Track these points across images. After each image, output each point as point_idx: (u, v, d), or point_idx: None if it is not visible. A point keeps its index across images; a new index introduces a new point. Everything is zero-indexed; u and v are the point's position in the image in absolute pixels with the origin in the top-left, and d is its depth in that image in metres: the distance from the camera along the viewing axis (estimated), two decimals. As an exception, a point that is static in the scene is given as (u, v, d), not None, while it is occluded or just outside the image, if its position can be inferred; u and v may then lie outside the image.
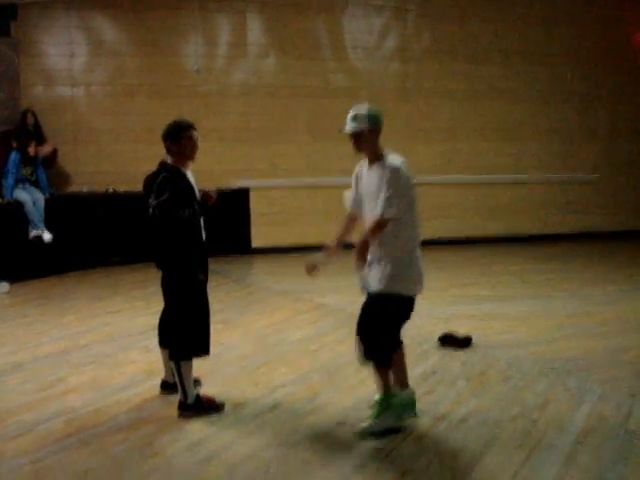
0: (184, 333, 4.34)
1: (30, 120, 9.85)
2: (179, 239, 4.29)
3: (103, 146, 10.48)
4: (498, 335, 5.97)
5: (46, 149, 9.90)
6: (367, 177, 3.97)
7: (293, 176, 11.25)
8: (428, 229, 12.11)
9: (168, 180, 4.25)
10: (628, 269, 9.52)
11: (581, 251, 11.31)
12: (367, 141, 3.89)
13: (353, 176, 4.13)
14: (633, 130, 12.97)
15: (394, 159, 3.87)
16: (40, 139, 9.84)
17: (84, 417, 4.31)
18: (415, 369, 5.02)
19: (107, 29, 10.60)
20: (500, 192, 12.14)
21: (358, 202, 4.09)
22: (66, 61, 10.47)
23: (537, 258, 10.66)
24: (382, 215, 3.79)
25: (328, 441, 3.90)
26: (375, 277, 3.95)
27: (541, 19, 12.14)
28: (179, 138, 4.33)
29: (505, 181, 12.16)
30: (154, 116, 9.98)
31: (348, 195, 4.19)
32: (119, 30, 10.67)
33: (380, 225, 3.81)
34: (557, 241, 12.08)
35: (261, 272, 10.23)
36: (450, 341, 5.67)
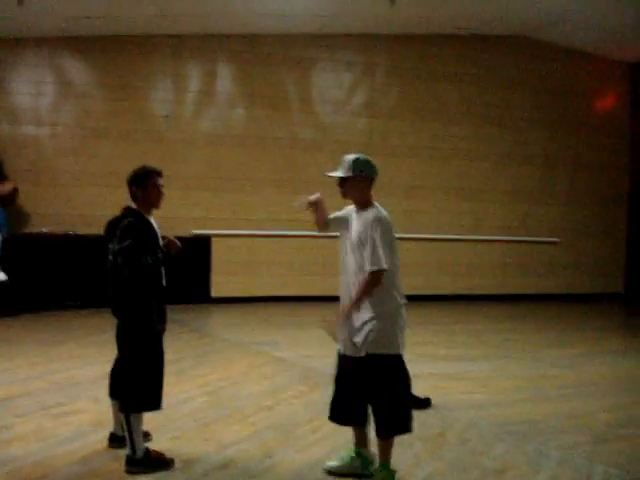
0: (136, 385, 4.19)
1: (-8, 158, 9.69)
2: (139, 287, 4.19)
3: (65, 188, 10.33)
4: (457, 396, 5.91)
5: (6, 187, 9.70)
6: (354, 222, 3.94)
7: (256, 226, 11.21)
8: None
9: (132, 226, 4.17)
10: (586, 332, 9.63)
11: (540, 312, 11.41)
12: (352, 188, 3.89)
13: (347, 210, 4.08)
14: (591, 194, 13.29)
15: (381, 211, 3.87)
16: (0, 177, 9.67)
17: (26, 469, 4.10)
18: (370, 428, 4.93)
19: (77, 70, 10.55)
20: (461, 251, 12.25)
21: (337, 226, 4.08)
22: (32, 100, 10.37)
23: (496, 318, 10.72)
24: (378, 267, 3.72)
25: (280, 503, 3.77)
26: (369, 338, 3.84)
27: (505, 83, 12.47)
28: (145, 184, 4.26)
29: (466, 240, 12.28)
30: (119, 160, 9.90)
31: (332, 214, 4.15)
32: (89, 71, 10.63)
33: (377, 278, 3.75)
34: (516, 301, 12.19)
35: (219, 322, 10.07)
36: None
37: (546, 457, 4.43)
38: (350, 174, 3.87)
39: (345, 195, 3.96)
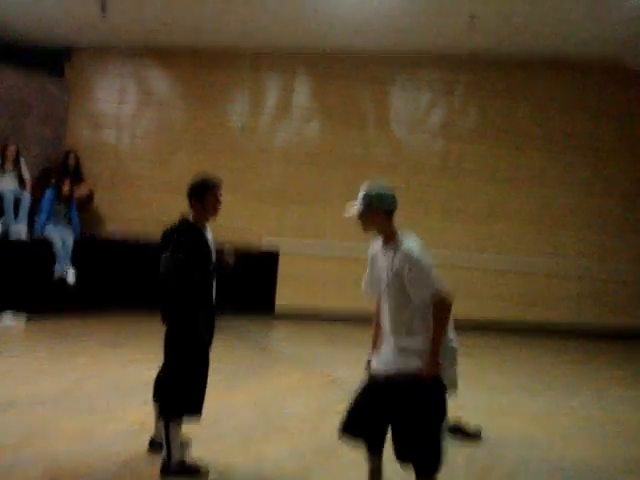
0: (177, 392, 4.21)
1: (72, 161, 10.03)
2: (188, 299, 4.21)
3: (140, 193, 10.59)
4: (510, 430, 5.67)
5: (82, 190, 10.03)
6: (381, 258, 3.72)
7: (325, 242, 11.17)
8: (459, 309, 11.90)
9: (186, 238, 4.21)
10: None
11: (616, 349, 10.89)
12: (370, 223, 3.68)
13: (369, 256, 3.85)
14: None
15: (410, 241, 3.63)
16: (78, 180, 10.00)
17: (65, 466, 4.18)
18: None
19: (158, 80, 10.85)
20: (535, 280, 11.85)
21: (374, 284, 3.82)
22: (114, 107, 10.71)
23: (567, 351, 10.29)
24: (441, 293, 3.52)
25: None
26: (408, 356, 3.60)
27: (590, 109, 12.04)
28: (203, 197, 4.30)
29: (540, 269, 11.88)
30: (194, 170, 10.00)
31: (365, 278, 3.89)
32: (170, 82, 10.91)
33: (447, 305, 3.54)
34: (589, 336, 11.69)
35: (279, 336, 10.07)
36: (458, 432, 5.40)
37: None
38: (362, 210, 3.66)
39: (365, 230, 3.74)
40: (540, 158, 11.82)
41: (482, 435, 5.36)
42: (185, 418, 4.24)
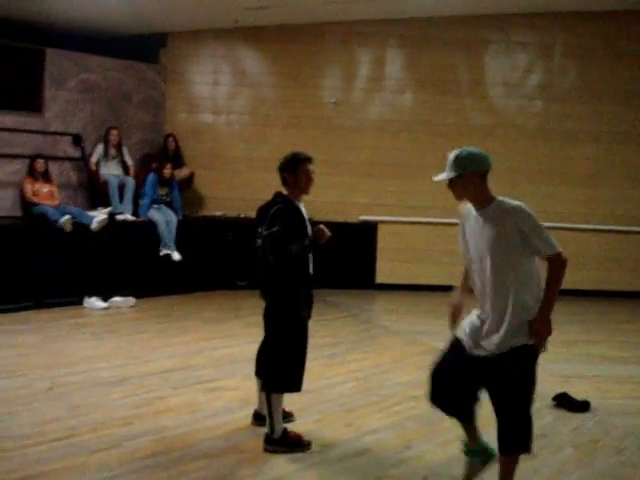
0: (278, 367, 4.27)
1: (171, 144, 10.30)
2: (285, 273, 4.23)
3: (238, 173, 10.76)
4: (620, 400, 5.45)
5: (183, 172, 10.30)
6: (476, 225, 3.47)
7: (422, 213, 11.02)
8: (566, 279, 11.52)
9: (281, 212, 4.21)
10: None
11: None
12: (462, 188, 3.43)
13: (460, 225, 3.63)
14: None
15: (511, 201, 3.41)
16: (179, 163, 10.27)
17: (172, 439, 4.32)
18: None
19: (250, 59, 10.95)
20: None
21: (468, 255, 3.61)
22: (210, 89, 10.90)
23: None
24: (556, 252, 3.31)
25: (410, 497, 3.66)
26: (515, 331, 3.42)
27: None
28: (296, 170, 4.30)
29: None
30: (289, 146, 9.95)
31: (460, 250, 3.71)
32: (261, 61, 10.99)
33: (563, 261, 3.33)
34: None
35: (381, 309, 10.05)
36: (566, 403, 5.23)
37: None
38: (454, 175, 3.41)
39: (459, 198, 3.48)
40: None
41: (590, 406, 5.17)
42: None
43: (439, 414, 4.92)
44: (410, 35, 10.97)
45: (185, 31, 10.64)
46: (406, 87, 11.09)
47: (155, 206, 9.51)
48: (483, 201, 3.44)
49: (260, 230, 4.28)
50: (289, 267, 4.23)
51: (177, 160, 10.26)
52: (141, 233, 9.35)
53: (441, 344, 7.10)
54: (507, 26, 11.02)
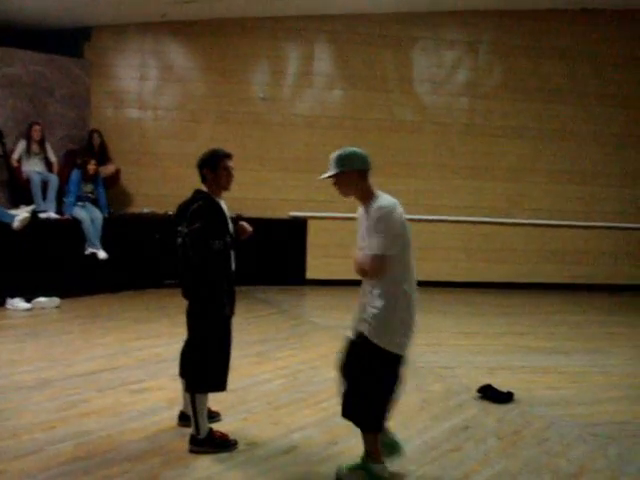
0: (202, 366, 4.21)
1: (96, 140, 10.06)
2: (207, 270, 4.18)
3: (166, 169, 10.60)
4: (543, 391, 5.59)
5: (109, 169, 10.09)
6: (361, 218, 3.78)
7: (352, 209, 11.04)
8: (492, 272, 11.83)
9: (202, 209, 4.16)
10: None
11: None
12: (344, 185, 3.72)
13: (358, 216, 3.88)
14: None
15: (385, 199, 3.62)
16: (104, 159, 10.05)
17: (95, 442, 4.22)
18: (445, 422, 4.77)
19: (177, 54, 10.80)
20: (568, 238, 11.65)
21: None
22: (136, 84, 10.70)
23: (601, 309, 10.14)
24: (374, 252, 3.52)
25: (337, 492, 3.67)
26: (366, 319, 3.70)
27: (619, 59, 11.68)
28: (215, 167, 4.26)
29: (574, 226, 11.66)
30: (218, 142, 9.79)
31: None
32: (189, 55, 10.85)
33: (375, 263, 3.53)
34: (624, 293, 11.50)
35: (311, 305, 10.06)
36: (490, 394, 5.34)
37: (629, 463, 4.10)
38: (334, 172, 3.71)
39: (343, 194, 3.79)
40: (568, 111, 11.54)
41: (514, 397, 5.29)
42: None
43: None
44: (339, 31, 11.02)
45: (111, 25, 10.41)
46: (335, 83, 11.13)
47: (80, 203, 9.29)
48: (364, 197, 3.72)
49: (180, 228, 4.21)
50: (211, 264, 4.18)
51: (103, 156, 10.04)
52: (65, 231, 9.11)
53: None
54: (435, 23, 11.18)
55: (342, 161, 3.70)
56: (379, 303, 3.62)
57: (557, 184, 11.60)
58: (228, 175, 4.30)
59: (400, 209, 3.59)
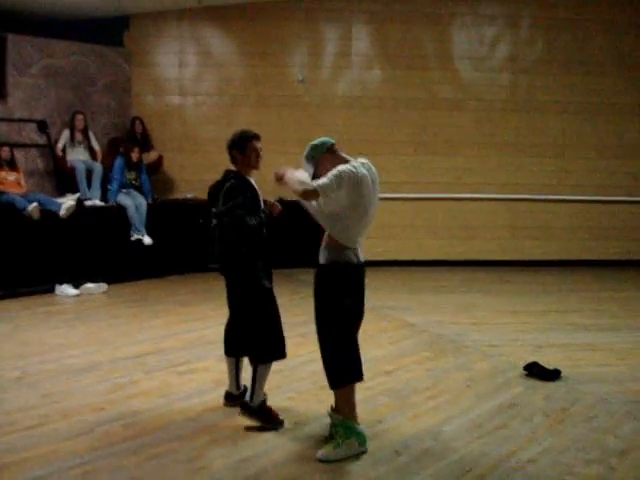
0: (259, 337, 4.29)
1: (138, 128, 10.17)
2: (245, 246, 4.23)
3: (208, 155, 10.65)
4: (591, 368, 5.51)
5: (152, 156, 10.19)
6: None
7: (394, 189, 11.01)
8: (535, 249, 11.64)
9: (235, 188, 4.26)
10: None
11: None
12: (324, 167, 3.99)
13: None
14: None
15: (349, 164, 3.93)
16: (147, 146, 10.16)
17: (144, 422, 4.31)
18: (492, 400, 4.74)
19: (216, 39, 10.81)
20: (615, 213, 11.39)
21: None
22: (175, 71, 10.75)
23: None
24: (313, 186, 3.80)
25: (383, 469, 3.68)
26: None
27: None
28: (244, 148, 4.34)
29: (620, 201, 11.39)
30: (258, 126, 9.76)
31: None
32: (227, 40, 10.85)
33: (308, 192, 3.80)
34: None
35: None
36: (536, 372, 5.28)
37: (680, 439, 4.02)
38: (312, 162, 4.05)
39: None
40: (614, 85, 11.24)
41: (562, 374, 5.23)
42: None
43: (411, 387, 5.01)
44: (376, 11, 10.90)
45: (148, 12, 10.47)
46: (374, 63, 11.03)
47: (124, 190, 9.40)
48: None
49: (214, 209, 4.29)
50: (248, 240, 4.23)
51: (145, 143, 10.15)
52: (111, 218, 9.24)
53: (412, 318, 7.25)
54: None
55: (312, 154, 4.05)
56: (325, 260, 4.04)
57: (603, 159, 11.32)
58: (257, 156, 4.39)
59: (360, 169, 3.90)
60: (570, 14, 11.08)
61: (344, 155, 4.11)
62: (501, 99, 11.10)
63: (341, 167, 3.86)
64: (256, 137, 4.40)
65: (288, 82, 10.89)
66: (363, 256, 4.10)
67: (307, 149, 4.08)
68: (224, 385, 4.74)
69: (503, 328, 6.93)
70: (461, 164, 11.03)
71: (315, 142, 4.10)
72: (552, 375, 5.20)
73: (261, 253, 4.33)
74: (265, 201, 4.50)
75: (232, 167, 4.41)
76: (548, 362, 5.41)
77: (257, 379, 4.25)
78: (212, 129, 10.73)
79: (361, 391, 4.87)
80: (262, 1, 10.59)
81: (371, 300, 8.22)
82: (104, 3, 9.93)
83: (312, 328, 6.67)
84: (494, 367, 5.55)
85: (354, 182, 3.84)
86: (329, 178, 3.79)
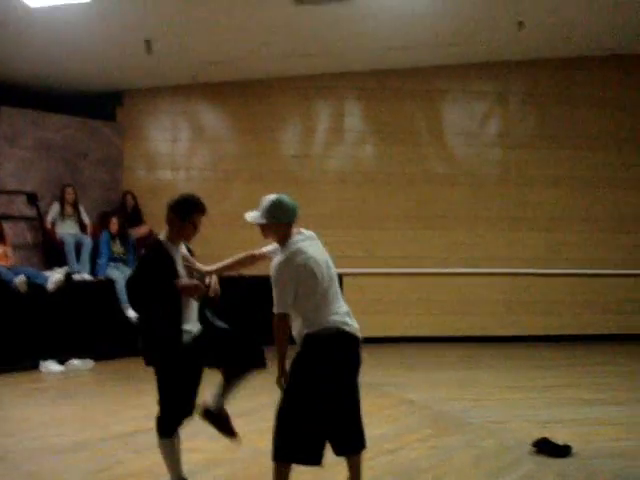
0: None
1: (130, 202, 10.09)
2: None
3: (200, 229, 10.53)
4: (602, 443, 5.25)
5: (142, 230, 10.06)
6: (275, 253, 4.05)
7: (389, 264, 10.91)
8: (533, 325, 11.45)
9: (146, 255, 4.23)
10: None
11: None
12: (269, 233, 3.96)
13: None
14: None
15: (293, 249, 3.82)
16: (138, 220, 10.05)
17: (132, 506, 4.01)
18: (502, 478, 4.47)
19: (209, 115, 10.88)
20: (611, 287, 11.29)
21: None
22: (168, 146, 10.76)
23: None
24: (276, 310, 3.79)
25: None
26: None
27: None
28: (185, 217, 4.13)
29: (616, 275, 11.31)
30: (251, 201, 9.88)
31: None
32: (220, 116, 10.93)
33: (275, 324, 3.79)
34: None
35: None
36: (546, 448, 5.03)
37: None
38: (264, 222, 3.91)
39: (266, 237, 4.04)
40: (604, 159, 11.36)
41: (572, 450, 4.98)
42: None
43: (416, 466, 4.74)
44: (368, 87, 11.04)
45: (142, 88, 10.55)
46: (366, 138, 11.10)
47: (112, 264, 9.26)
48: (281, 244, 3.95)
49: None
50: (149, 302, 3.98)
51: (136, 218, 10.05)
52: (99, 292, 9.04)
53: (411, 395, 7.00)
54: (464, 76, 11.16)
55: (271, 212, 3.89)
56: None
57: (596, 232, 11.32)
58: (194, 230, 4.19)
59: (299, 257, 3.77)
60: (560, 89, 11.27)
61: (294, 232, 3.97)
62: (494, 174, 11.14)
63: (278, 270, 3.77)
64: (202, 211, 4.16)
65: (281, 157, 10.91)
66: (351, 324, 3.92)
67: (271, 206, 3.90)
68: (218, 465, 4.49)
69: (507, 404, 6.69)
70: (455, 238, 10.97)
71: (285, 205, 3.96)
72: (563, 451, 4.95)
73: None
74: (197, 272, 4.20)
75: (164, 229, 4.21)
76: (556, 438, 5.17)
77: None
78: (204, 204, 10.63)
79: (364, 471, 4.62)
80: (255, 78, 10.70)
81: (367, 377, 7.96)
82: (97, 78, 10.01)
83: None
84: (501, 444, 5.29)
85: (297, 276, 3.76)
86: (277, 295, 3.76)
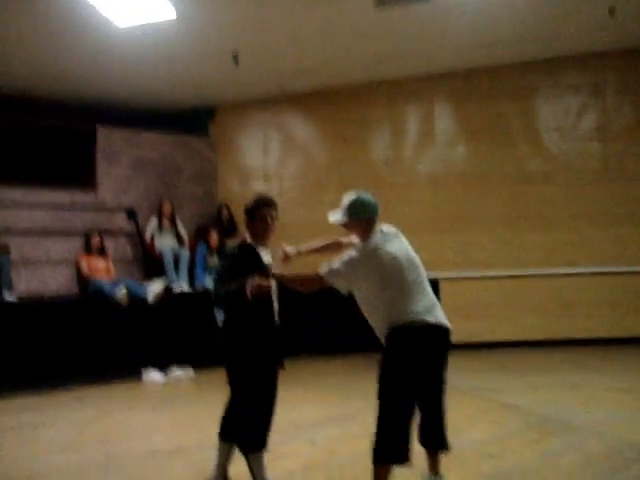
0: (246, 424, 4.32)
1: (225, 214, 10.28)
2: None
3: (293, 238, 10.47)
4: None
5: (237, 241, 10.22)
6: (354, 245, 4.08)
7: (486, 267, 10.63)
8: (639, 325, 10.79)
9: (229, 256, 4.27)
10: None
11: None
12: (353, 230, 4.01)
13: None
14: None
15: (369, 242, 3.86)
16: (233, 232, 10.22)
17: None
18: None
19: (299, 124, 10.99)
20: None
21: None
22: (260, 157, 10.93)
23: None
24: (322, 274, 3.79)
25: None
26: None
27: None
28: (252, 215, 4.18)
29: None
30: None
31: None
32: (309, 125, 11.01)
33: (312, 277, 3.87)
34: None
35: (449, 368, 9.56)
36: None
37: None
38: (347, 220, 3.94)
39: (349, 234, 4.13)
40: None
41: None
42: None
43: (519, 471, 4.55)
44: (456, 88, 10.85)
45: (232, 101, 10.77)
46: (457, 140, 10.89)
47: (209, 275, 9.43)
48: (362, 240, 3.99)
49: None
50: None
51: (231, 229, 10.22)
52: (198, 303, 9.22)
53: (513, 399, 6.77)
54: (554, 70, 10.78)
55: (354, 210, 3.92)
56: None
57: None
58: (265, 224, 4.17)
59: (376, 251, 3.78)
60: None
61: (376, 229, 3.95)
62: (592, 169, 10.69)
63: (351, 251, 3.81)
64: (267, 204, 4.13)
65: (372, 164, 10.86)
66: (436, 314, 3.92)
67: (354, 203, 3.93)
68: (315, 470, 4.44)
69: (616, 406, 6.36)
70: (555, 238, 10.58)
71: (367, 202, 3.97)
72: None
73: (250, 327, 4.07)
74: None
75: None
76: None
77: (253, 470, 3.99)
78: (297, 212, 10.74)
79: (468, 476, 4.49)
80: (342, 86, 10.72)
81: (468, 382, 7.85)
82: (190, 95, 10.28)
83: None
84: (611, 447, 5.01)
85: (368, 264, 3.77)
86: (335, 264, 3.76)
